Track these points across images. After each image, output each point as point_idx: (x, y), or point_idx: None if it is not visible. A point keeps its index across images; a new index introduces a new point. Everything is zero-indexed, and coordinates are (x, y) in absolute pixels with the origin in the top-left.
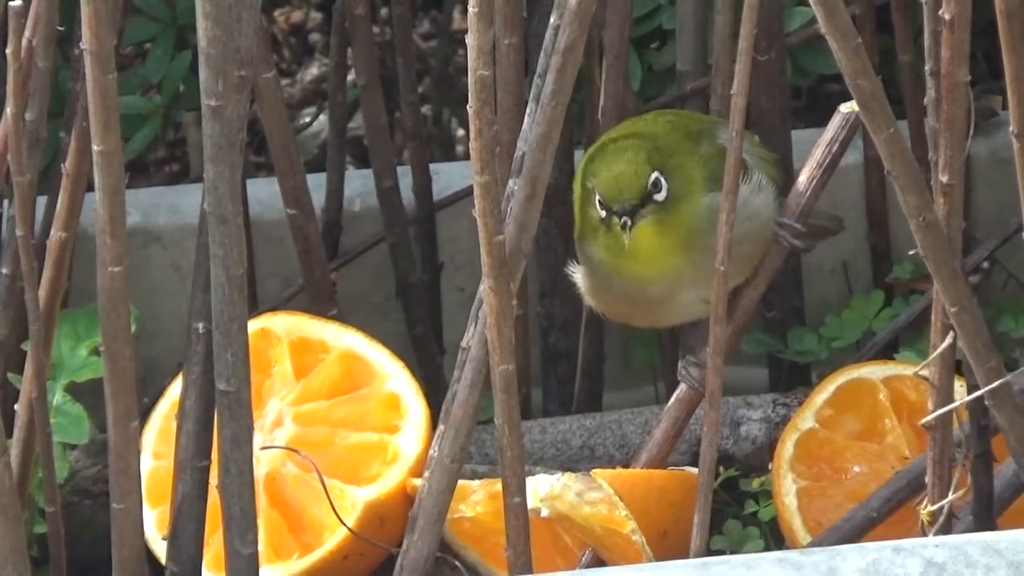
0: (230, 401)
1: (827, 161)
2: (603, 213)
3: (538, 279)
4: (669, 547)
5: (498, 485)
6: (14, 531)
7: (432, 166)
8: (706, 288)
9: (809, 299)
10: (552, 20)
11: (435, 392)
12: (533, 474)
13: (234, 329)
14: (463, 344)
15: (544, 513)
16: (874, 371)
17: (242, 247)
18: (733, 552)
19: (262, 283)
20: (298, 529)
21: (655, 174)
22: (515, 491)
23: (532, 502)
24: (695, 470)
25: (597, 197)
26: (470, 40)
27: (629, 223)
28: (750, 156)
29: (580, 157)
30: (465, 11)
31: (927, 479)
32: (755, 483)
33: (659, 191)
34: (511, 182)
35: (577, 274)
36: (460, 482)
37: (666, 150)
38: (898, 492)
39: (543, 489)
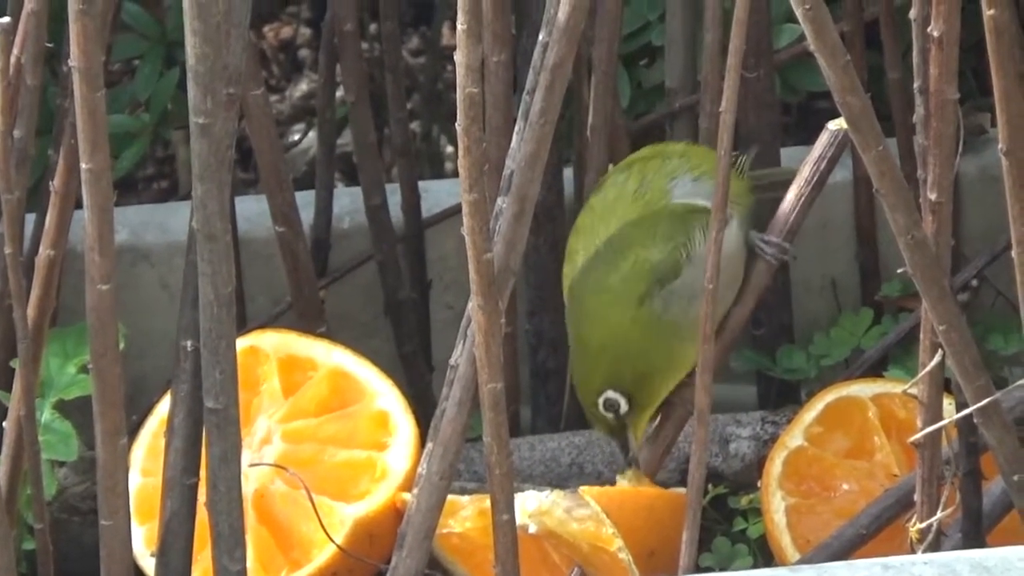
0: (218, 419)
1: (815, 178)
2: None
3: (527, 297)
4: (656, 566)
5: (487, 501)
6: (2, 548)
7: (421, 183)
8: None
9: (798, 317)
10: (541, 37)
11: (424, 409)
12: (522, 491)
13: (222, 347)
14: (452, 362)
15: (532, 529)
16: (863, 389)
17: (230, 265)
18: (722, 569)
19: (250, 301)
20: (287, 546)
21: (605, 396)
22: (504, 509)
23: (520, 518)
24: (683, 490)
25: None
26: (459, 57)
27: (631, 462)
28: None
29: (569, 175)
30: (454, 28)
31: (916, 497)
32: (744, 500)
33: (618, 407)
34: (500, 200)
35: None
36: (449, 497)
37: (613, 354)
38: (887, 510)
39: (531, 505)
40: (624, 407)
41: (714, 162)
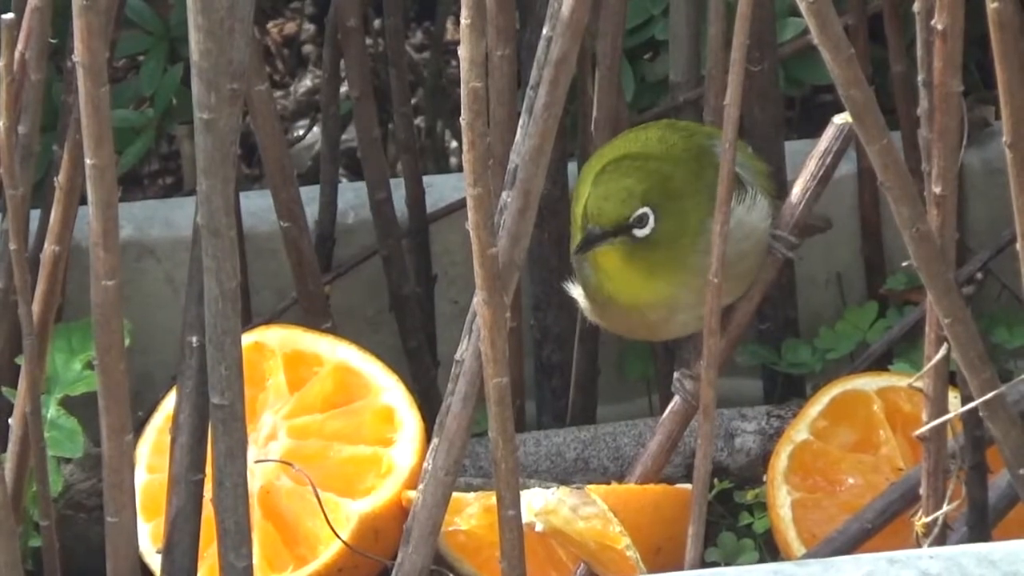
0: (224, 414)
1: (821, 172)
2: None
3: (531, 292)
4: (663, 563)
5: (493, 498)
6: (9, 545)
7: (425, 178)
8: (703, 309)
9: (803, 311)
10: (545, 31)
11: (429, 405)
12: (527, 487)
13: (228, 342)
14: (457, 357)
15: (539, 527)
16: (868, 383)
17: (235, 260)
18: (727, 564)
19: (256, 296)
20: (293, 542)
21: (644, 209)
22: (509, 504)
23: (527, 516)
24: (689, 486)
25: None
26: (463, 52)
27: (587, 246)
28: (744, 170)
29: (574, 169)
30: (458, 22)
31: (922, 490)
32: (749, 495)
33: (643, 226)
34: (504, 194)
35: (575, 291)
36: (455, 495)
37: (670, 185)
38: (892, 504)
39: (538, 503)
40: (645, 231)
41: (743, 147)
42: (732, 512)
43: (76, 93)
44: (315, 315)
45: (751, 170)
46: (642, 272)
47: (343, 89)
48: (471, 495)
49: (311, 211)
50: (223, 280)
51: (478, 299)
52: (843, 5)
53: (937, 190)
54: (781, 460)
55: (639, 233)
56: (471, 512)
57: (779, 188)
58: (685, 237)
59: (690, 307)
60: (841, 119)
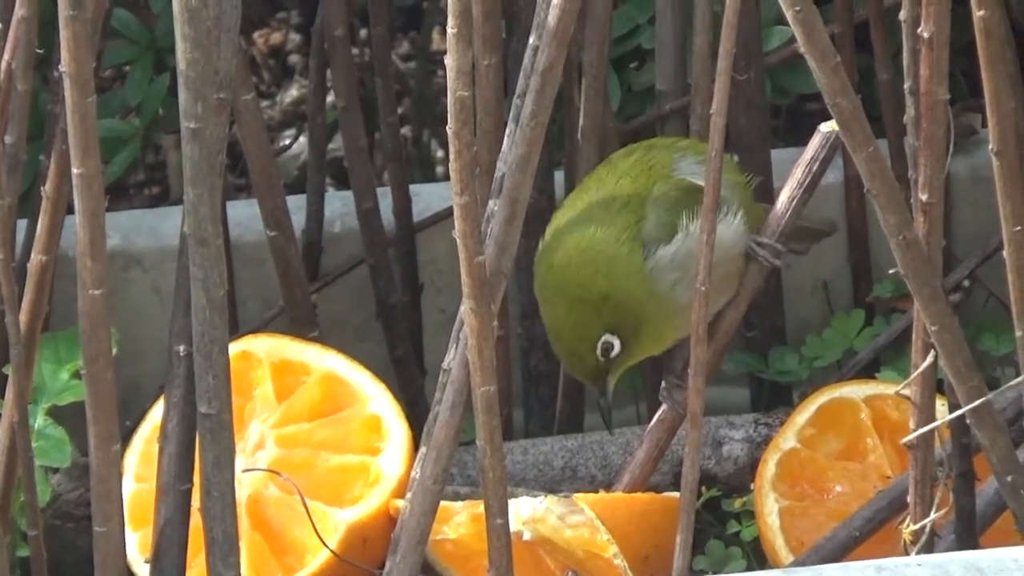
0: (212, 424)
1: (807, 180)
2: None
3: (519, 300)
4: (651, 571)
5: (480, 507)
6: None
7: (412, 187)
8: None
9: (790, 319)
10: (531, 40)
11: (417, 414)
12: (515, 495)
13: (215, 351)
14: (444, 365)
15: (526, 536)
16: (855, 390)
17: (222, 269)
18: (715, 572)
19: (243, 305)
20: (281, 551)
21: (604, 339)
22: (497, 512)
23: (514, 525)
24: (677, 494)
25: None
26: (449, 61)
27: (606, 411)
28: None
29: (560, 178)
30: (444, 32)
31: (909, 498)
32: (737, 503)
33: (613, 349)
34: (491, 203)
35: None
36: (443, 504)
37: (610, 296)
38: (880, 511)
39: (525, 512)
40: (616, 350)
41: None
42: (720, 520)
43: (63, 103)
44: (302, 324)
45: (727, 183)
46: (640, 355)
47: (329, 99)
48: (459, 504)
49: (298, 220)
50: (210, 289)
51: (465, 308)
52: (829, 14)
53: (924, 198)
54: (769, 468)
55: (615, 354)
56: (459, 521)
57: (764, 194)
58: (652, 306)
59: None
60: (828, 127)
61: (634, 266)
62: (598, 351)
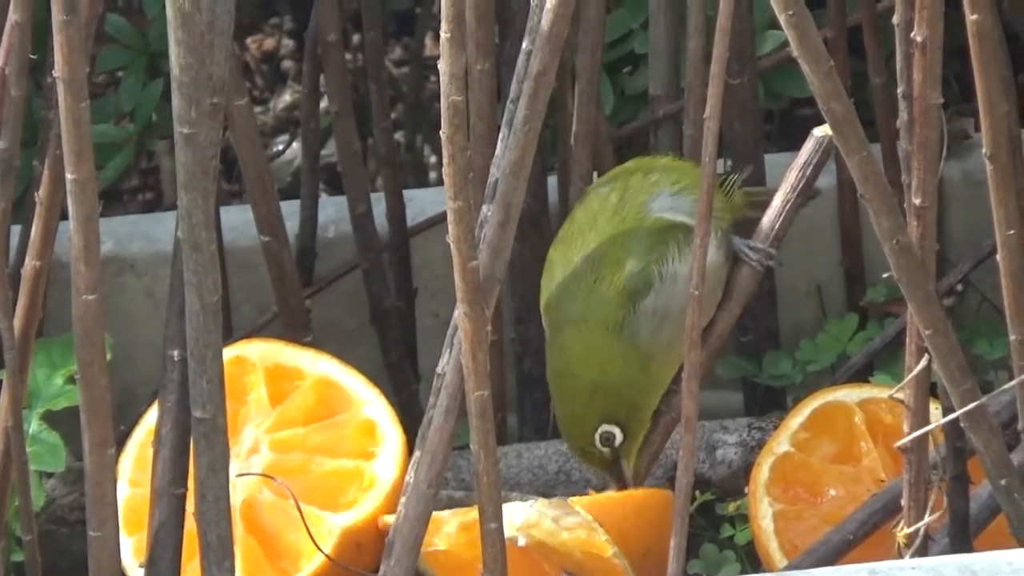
0: (206, 428)
1: (801, 185)
2: None
3: (512, 305)
4: (651, 565)
5: (469, 515)
6: None
7: (405, 192)
8: None
9: (783, 323)
10: (524, 45)
11: (411, 418)
12: (509, 499)
13: (209, 356)
14: (438, 370)
15: (521, 542)
16: (849, 394)
17: (216, 274)
18: None
19: (236, 310)
20: (275, 556)
21: (603, 429)
22: (492, 517)
23: (508, 531)
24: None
25: None
26: (442, 66)
27: (620, 481)
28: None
29: (554, 182)
30: (437, 37)
31: (903, 501)
32: (731, 507)
33: (614, 438)
34: (484, 208)
35: None
36: (432, 514)
37: (605, 387)
38: (874, 515)
39: (518, 518)
40: (619, 438)
41: (696, 176)
42: (714, 524)
43: (56, 108)
44: (296, 329)
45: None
46: (640, 434)
47: (323, 104)
48: (447, 513)
49: (291, 225)
50: (204, 294)
51: (459, 312)
52: (822, 18)
53: (917, 202)
54: (763, 472)
55: (618, 443)
56: (448, 531)
57: (753, 199)
58: (639, 375)
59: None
60: (821, 131)
61: (613, 346)
62: (598, 442)
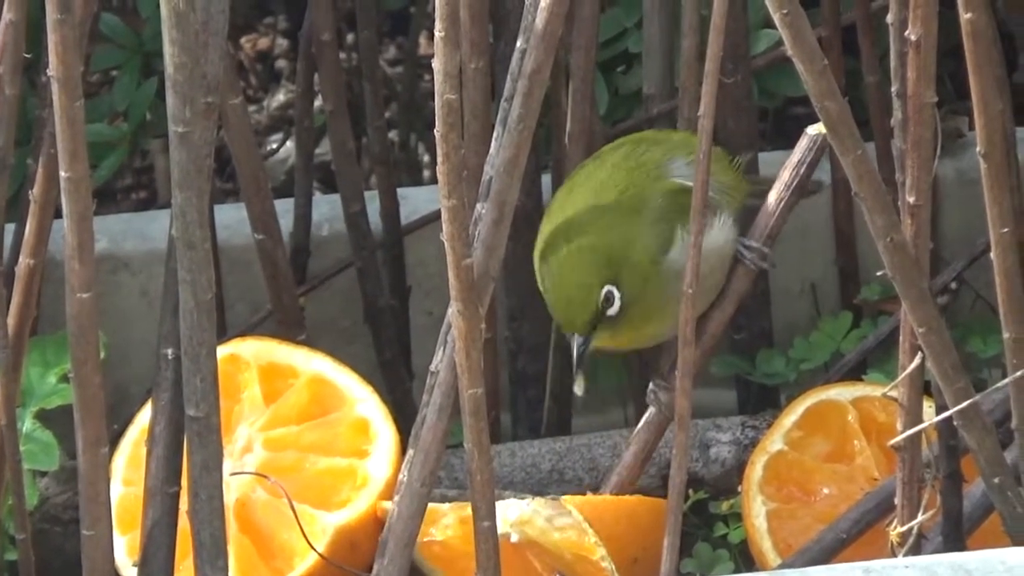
0: (199, 427)
1: (795, 183)
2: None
3: (506, 303)
4: (639, 573)
5: (468, 509)
6: None
7: (399, 191)
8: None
9: (777, 321)
10: (518, 44)
11: (404, 416)
12: (503, 498)
13: (203, 354)
14: (432, 368)
15: (514, 538)
16: (843, 392)
17: (210, 273)
18: (703, 575)
19: (230, 309)
20: (268, 555)
21: (606, 290)
22: (485, 515)
23: (502, 527)
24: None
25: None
26: (437, 64)
27: (580, 362)
28: (712, 189)
29: (548, 181)
30: (431, 37)
31: (896, 500)
32: (725, 505)
33: (612, 304)
34: (479, 206)
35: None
36: (430, 506)
37: (618, 252)
38: (867, 513)
39: (513, 514)
40: (615, 308)
41: (715, 154)
42: (707, 523)
43: (51, 107)
44: (290, 327)
45: (716, 185)
46: (626, 332)
47: (317, 103)
48: (446, 505)
49: (285, 224)
50: (198, 292)
51: (453, 310)
52: (817, 17)
53: (911, 200)
54: (756, 470)
55: (612, 312)
56: (446, 523)
57: (754, 187)
58: (650, 286)
59: (664, 336)
60: (815, 130)
61: (652, 244)
62: (600, 298)
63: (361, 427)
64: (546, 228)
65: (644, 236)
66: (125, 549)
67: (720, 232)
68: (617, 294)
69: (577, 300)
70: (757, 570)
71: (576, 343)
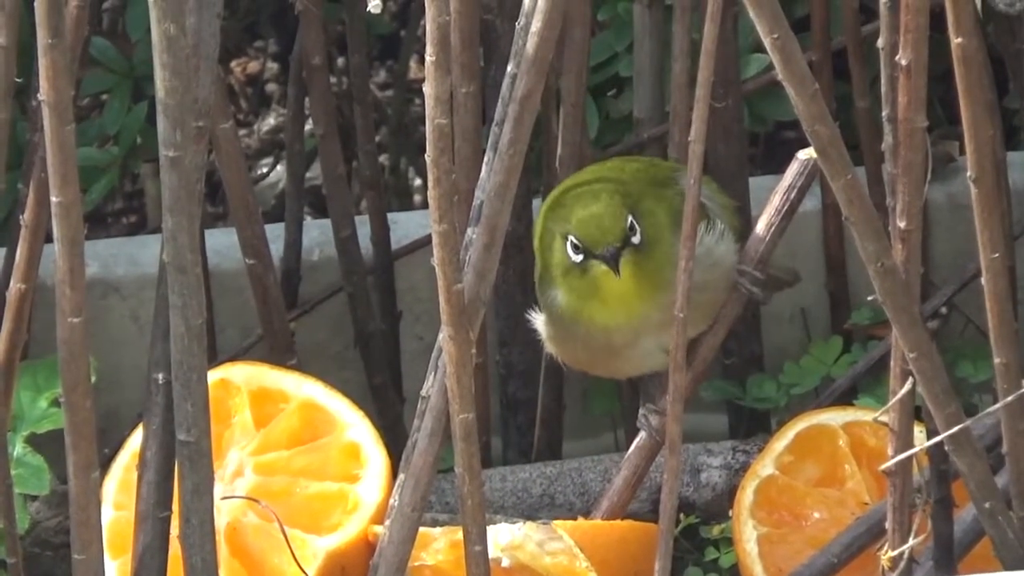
0: (190, 451)
1: (785, 208)
2: (578, 257)
3: (497, 328)
4: None
5: (459, 533)
6: None
7: (390, 215)
8: (668, 336)
9: (768, 346)
10: (509, 68)
11: (395, 441)
12: (494, 522)
13: (194, 379)
14: (423, 393)
15: (505, 563)
16: (833, 417)
17: (201, 297)
18: None
19: (221, 333)
20: None
21: (630, 217)
22: (476, 540)
23: (493, 552)
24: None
25: (572, 240)
26: (428, 89)
27: (616, 265)
28: (712, 203)
29: (539, 205)
30: (422, 60)
31: (887, 525)
32: (716, 530)
33: (635, 234)
34: (469, 231)
35: (537, 321)
36: (421, 530)
37: (635, 194)
38: (858, 538)
39: (504, 539)
40: (638, 238)
41: (708, 182)
42: (698, 547)
43: (41, 131)
44: (280, 352)
45: (717, 204)
46: (625, 287)
47: (307, 127)
48: (437, 530)
49: (276, 248)
50: (189, 317)
51: (444, 335)
52: (807, 41)
53: (902, 225)
54: (747, 495)
55: (635, 240)
56: (437, 547)
57: (744, 224)
58: (661, 247)
59: (656, 330)
60: (805, 154)
61: (665, 213)
62: (627, 220)
63: (352, 452)
64: (554, 193)
65: (661, 201)
66: (116, 573)
67: (719, 242)
68: (638, 226)
69: (608, 216)
70: None
71: (609, 250)
